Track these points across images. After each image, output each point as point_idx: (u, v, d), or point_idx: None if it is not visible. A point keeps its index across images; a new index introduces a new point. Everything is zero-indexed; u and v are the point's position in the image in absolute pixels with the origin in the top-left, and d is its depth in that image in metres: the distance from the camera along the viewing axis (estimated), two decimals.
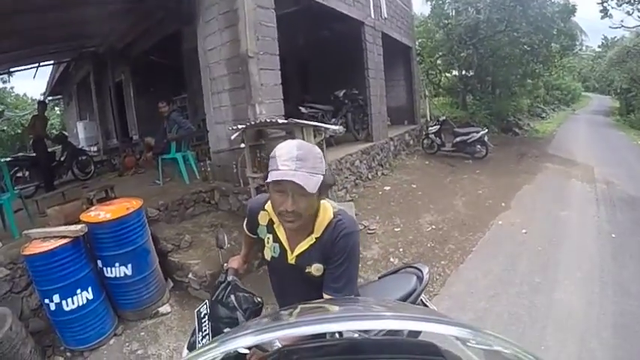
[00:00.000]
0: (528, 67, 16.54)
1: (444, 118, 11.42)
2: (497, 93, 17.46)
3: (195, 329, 1.77)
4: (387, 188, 7.76)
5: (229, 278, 1.85)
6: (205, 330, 1.70)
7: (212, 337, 1.63)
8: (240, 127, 4.29)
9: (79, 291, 3.27)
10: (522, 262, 4.87)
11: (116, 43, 9.55)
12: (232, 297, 1.73)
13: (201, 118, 8.02)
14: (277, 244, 1.65)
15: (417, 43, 13.77)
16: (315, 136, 4.12)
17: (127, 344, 3.48)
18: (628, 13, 12.33)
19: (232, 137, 4.47)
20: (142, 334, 3.60)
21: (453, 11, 15.64)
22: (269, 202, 1.61)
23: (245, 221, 1.87)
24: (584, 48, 24.87)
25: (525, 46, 14.65)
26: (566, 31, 15.34)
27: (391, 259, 4.87)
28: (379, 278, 2.61)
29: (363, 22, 8.25)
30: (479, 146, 10.64)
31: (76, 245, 3.30)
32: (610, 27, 16.79)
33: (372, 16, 8.68)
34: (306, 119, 5.55)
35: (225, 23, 5.05)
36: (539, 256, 5.06)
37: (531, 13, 13.17)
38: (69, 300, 3.22)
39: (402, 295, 2.25)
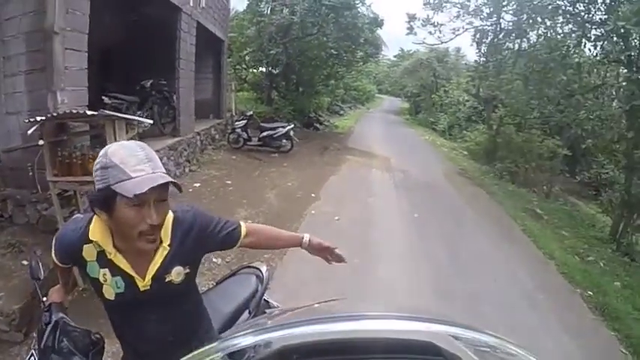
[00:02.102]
0: (333, 69, 18.22)
1: (251, 113, 11.66)
2: (301, 91, 18.47)
3: None
4: (197, 185, 7.58)
5: (55, 317, 1.51)
6: None
7: None
8: (38, 118, 3.57)
9: None
10: (341, 247, 5.16)
11: None
12: (65, 340, 1.43)
13: None
14: (119, 277, 1.32)
15: (228, 37, 13.64)
16: (127, 131, 3.69)
17: None
18: (430, 32, 15.08)
19: (29, 132, 3.68)
20: None
21: (269, 9, 15.97)
22: (90, 229, 1.31)
23: (55, 254, 1.47)
24: (381, 57, 28.49)
25: (332, 50, 15.85)
26: (372, 40, 17.28)
27: (214, 259, 4.74)
28: (217, 284, 2.54)
29: (180, 8, 7.75)
30: (285, 140, 11.13)
31: None
32: (413, 42, 20.16)
33: (191, 3, 8.24)
34: (109, 110, 5.02)
35: None
36: (355, 240, 5.53)
37: (343, 21, 14.23)
38: None
39: (246, 296, 2.25)
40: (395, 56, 42.90)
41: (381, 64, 41.88)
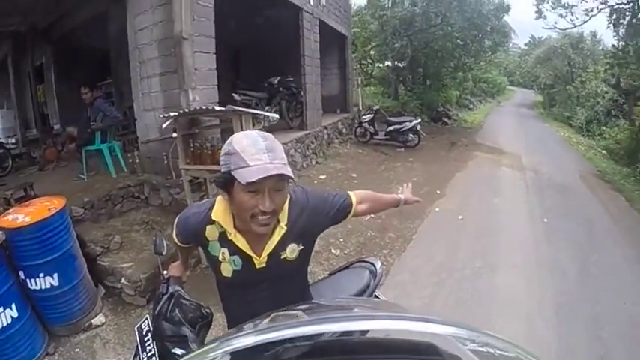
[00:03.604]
0: (460, 60, 17.24)
1: (378, 107, 11.60)
2: (428, 84, 18.01)
3: (137, 348, 1.56)
4: (323, 177, 7.73)
5: (172, 289, 1.62)
6: (150, 350, 1.49)
7: (160, 358, 1.45)
8: (172, 114, 3.96)
9: (1, 309, 2.83)
10: (462, 248, 5.02)
11: (38, 22, 8.59)
12: (177, 310, 1.52)
13: (127, 105, 7.46)
14: (237, 256, 1.42)
15: (351, 33, 13.82)
16: (253, 125, 3.88)
17: None
18: (561, 15, 13.66)
19: (164, 126, 4.12)
20: (77, 350, 3.23)
21: (390, 2, 15.76)
22: (213, 211, 1.42)
23: (176, 235, 1.62)
24: (511, 45, 26.65)
25: (458, 41, 15.15)
26: (499, 28, 16.14)
27: (332, 250, 4.80)
28: (330, 275, 2.51)
29: (301, 7, 8.08)
30: (411, 135, 10.88)
31: None
32: (543, 27, 18.77)
33: (311, 2, 8.56)
34: (239, 106, 5.34)
35: (158, 1, 4.68)
36: (477, 242, 5.24)
37: (467, 9, 13.59)
38: None
39: (357, 291, 2.19)
40: (525, 44, 40.33)
41: (510, 54, 39.88)
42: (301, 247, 1.46)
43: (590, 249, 5.27)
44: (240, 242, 1.39)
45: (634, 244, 5.58)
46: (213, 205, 1.44)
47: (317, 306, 1.43)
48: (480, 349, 0.95)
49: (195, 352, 0.96)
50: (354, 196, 1.60)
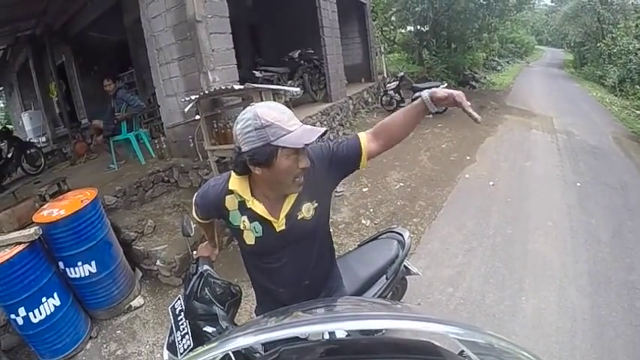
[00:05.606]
0: (484, 20, 16.47)
1: (402, 74, 11.27)
2: (453, 47, 17.46)
3: (171, 328, 1.61)
4: None
5: (201, 269, 1.67)
6: (184, 329, 1.54)
7: (192, 336, 1.49)
8: (193, 97, 3.99)
9: (44, 299, 2.99)
10: (493, 215, 4.91)
11: (53, 23, 8.80)
12: (207, 290, 1.57)
13: (151, 93, 7.60)
14: (257, 222, 1.45)
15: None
16: (274, 100, 3.86)
17: (104, 346, 3.27)
18: None
19: (186, 109, 4.16)
20: (118, 332, 3.39)
21: None
22: (230, 182, 1.47)
23: (196, 211, 1.68)
24: (537, 2, 25.39)
25: (481, 0, 14.42)
26: None
27: (362, 221, 4.80)
28: (359, 246, 2.52)
29: None
30: None
31: (33, 250, 2.97)
32: None
33: None
34: (261, 83, 5.27)
35: None
36: (508, 208, 5.12)
37: None
38: (35, 311, 2.93)
39: (385, 262, 2.20)
40: (552, 1, 38.52)
41: (537, 12, 37.80)
42: (316, 204, 1.48)
43: (625, 214, 5.05)
44: (259, 208, 1.44)
45: None
46: (229, 177, 1.49)
47: (319, 305, 1.43)
48: (480, 348, 0.94)
49: (196, 352, 0.98)
50: (363, 134, 1.52)
